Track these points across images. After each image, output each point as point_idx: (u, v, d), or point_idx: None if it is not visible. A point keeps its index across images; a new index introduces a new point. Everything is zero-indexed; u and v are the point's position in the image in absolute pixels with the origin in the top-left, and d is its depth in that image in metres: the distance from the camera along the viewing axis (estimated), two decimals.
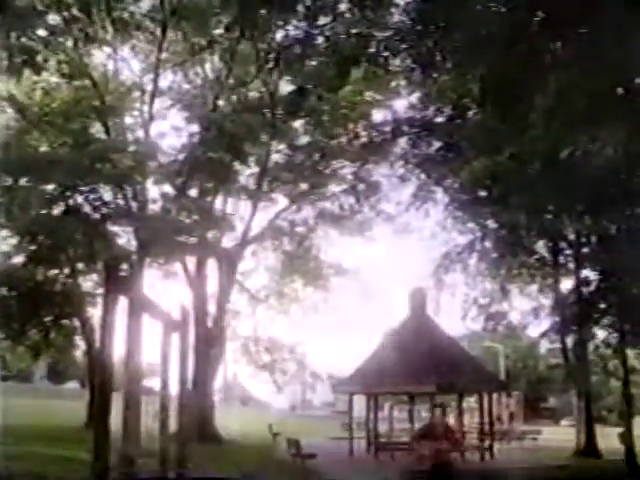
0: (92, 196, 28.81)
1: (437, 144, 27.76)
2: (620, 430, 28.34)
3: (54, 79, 29.27)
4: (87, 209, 29.15)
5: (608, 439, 32.44)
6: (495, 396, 33.13)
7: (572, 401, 34.32)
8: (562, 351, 33.49)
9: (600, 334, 30.83)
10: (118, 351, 10.17)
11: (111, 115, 30.42)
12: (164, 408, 13.37)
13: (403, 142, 29.62)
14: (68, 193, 28.30)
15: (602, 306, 29.08)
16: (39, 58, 16.55)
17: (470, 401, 34.07)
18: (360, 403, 32.28)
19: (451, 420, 32.29)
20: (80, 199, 28.92)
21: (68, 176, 26.24)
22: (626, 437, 27.11)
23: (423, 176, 28.54)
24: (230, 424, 34.69)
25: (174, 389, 14.27)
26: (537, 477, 21.10)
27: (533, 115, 14.50)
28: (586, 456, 29.65)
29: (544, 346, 55.47)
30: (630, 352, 29.81)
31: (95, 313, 33.62)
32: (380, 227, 36.84)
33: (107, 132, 30.41)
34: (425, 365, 25.17)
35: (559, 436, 37.28)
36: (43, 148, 30.51)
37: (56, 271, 34.24)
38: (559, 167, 16.03)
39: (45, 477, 13.72)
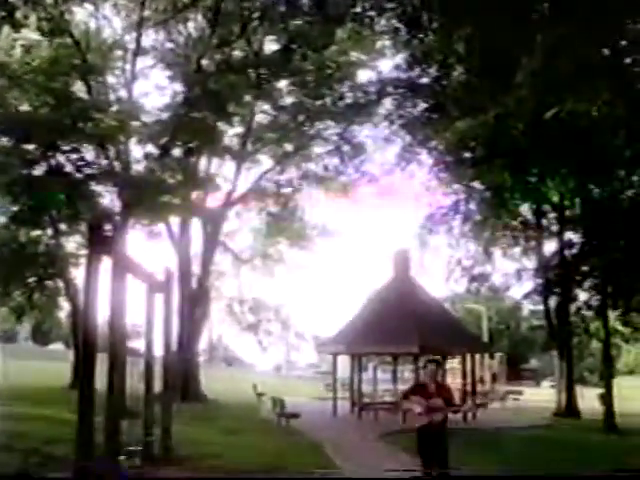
0: (74, 156, 28.50)
1: (422, 105, 27.56)
2: (600, 391, 28.77)
3: (34, 36, 28.72)
4: (69, 169, 28.86)
5: (588, 400, 32.97)
6: (478, 357, 33.48)
7: (553, 362, 34.76)
8: (544, 313, 33.80)
9: (582, 296, 31.13)
10: (102, 312, 10.15)
11: (93, 74, 29.95)
12: (149, 369, 13.42)
13: (388, 103, 29.39)
14: (50, 153, 27.99)
15: (585, 269, 29.28)
16: (18, 14, 16.23)
17: (453, 362, 34.37)
18: (344, 364, 32.54)
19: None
20: (62, 159, 28.62)
21: (49, 135, 25.92)
22: (606, 398, 27.56)
23: (408, 137, 28.36)
24: (214, 384, 34.89)
25: (159, 350, 14.31)
26: (520, 436, 21.39)
27: (519, 75, 14.43)
28: (566, 416, 30.11)
29: (526, 308, 56.06)
30: (611, 314, 30.04)
31: (79, 274, 33.52)
32: (364, 188, 36.77)
33: (89, 91, 29.97)
34: (408, 326, 25.34)
35: (540, 397, 37.80)
36: (24, 107, 30.04)
37: (39, 232, 34.01)
38: (544, 128, 16.00)
39: (31, 437, 13.74)
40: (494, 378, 45.94)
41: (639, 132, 17.05)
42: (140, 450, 12.70)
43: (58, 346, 72.83)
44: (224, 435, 18.03)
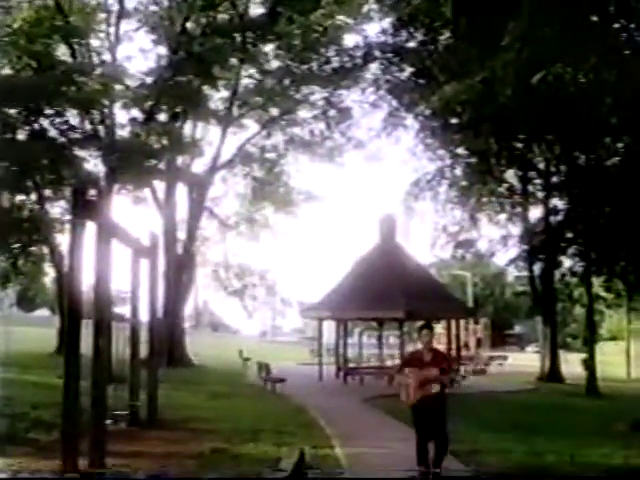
0: (58, 120, 28.22)
1: (409, 70, 27.42)
2: (583, 356, 29.11)
3: None
4: (53, 133, 28.57)
5: (571, 365, 33.38)
6: (462, 323, 33.71)
7: (538, 328, 35.09)
8: (529, 279, 34.02)
9: (566, 263, 31.35)
10: (88, 278, 10.10)
11: (76, 36, 29.55)
12: (134, 334, 13.43)
13: (375, 67, 29.23)
14: (33, 117, 27.67)
15: (569, 235, 29.44)
16: None
17: (438, 327, 34.61)
18: (330, 329, 32.69)
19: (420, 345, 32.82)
20: (45, 123, 28.32)
21: (32, 99, 25.61)
22: (588, 363, 27.91)
23: (394, 102, 28.25)
24: (200, 350, 35.01)
25: (144, 316, 14.30)
26: (504, 401, 21.64)
27: (506, 39, 14.33)
28: (550, 381, 30.47)
29: (511, 274, 56.34)
30: (595, 280, 30.30)
31: (64, 240, 33.35)
32: (350, 153, 36.70)
33: (72, 55, 29.60)
34: (394, 291, 25.42)
35: (524, 362, 38.21)
36: (5, 71, 29.63)
37: (23, 197, 33.74)
38: (531, 94, 15.94)
39: (18, 402, 13.76)
40: (479, 343, 46.33)
41: (626, 99, 17.02)
42: (126, 414, 12.77)
43: (44, 312, 72.69)
44: (210, 399, 18.13)
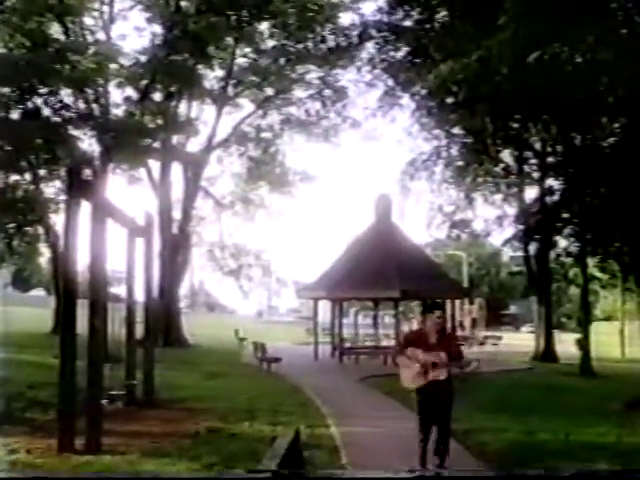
0: (52, 99, 28.05)
1: (405, 49, 27.29)
2: (578, 336, 29.22)
3: None
4: (47, 112, 28.41)
5: (565, 344, 33.52)
6: (458, 303, 33.81)
7: (533, 308, 35.19)
8: (524, 259, 34.06)
9: (562, 243, 31.37)
10: (83, 258, 10.08)
11: (69, 15, 29.30)
12: (130, 314, 13.43)
13: (370, 47, 29.08)
14: (26, 96, 27.50)
15: (565, 216, 29.44)
16: None
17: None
18: (325, 309, 32.76)
19: (415, 325, 33.05)
20: (39, 102, 28.15)
21: (26, 78, 25.44)
22: (583, 343, 28.02)
23: (390, 81, 28.14)
24: (196, 330, 35.07)
25: (140, 296, 14.31)
26: (499, 380, 21.73)
27: (502, 18, 14.25)
28: (544, 361, 30.60)
29: (507, 254, 56.49)
30: (590, 261, 30.35)
31: (59, 220, 33.28)
32: (346, 133, 36.59)
33: (66, 33, 29.36)
34: (389, 271, 25.46)
35: (519, 342, 38.36)
36: None
37: (17, 177, 33.60)
38: (527, 73, 15.87)
39: (15, 382, 13.78)
40: (474, 323, 46.48)
41: (622, 78, 16.95)
42: (123, 394, 12.80)
43: (39, 292, 72.70)
44: (206, 379, 18.18)
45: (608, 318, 53.20)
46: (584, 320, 29.82)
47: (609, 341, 37.96)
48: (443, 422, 8.42)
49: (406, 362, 8.48)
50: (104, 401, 10.89)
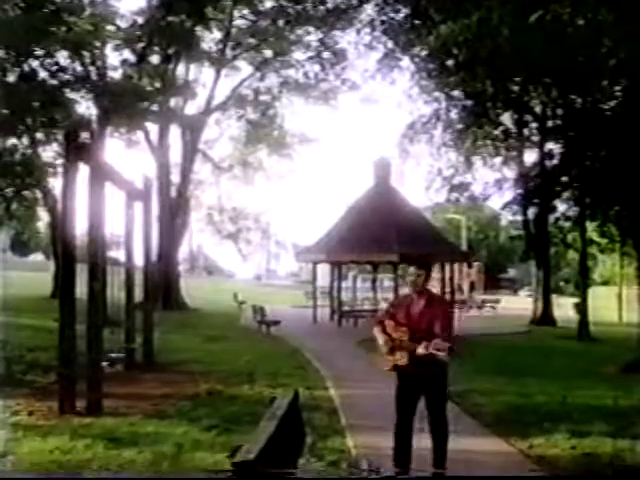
0: (48, 61, 27.76)
1: (404, 10, 26.96)
2: (575, 300, 29.34)
3: None
4: (43, 75, 28.13)
5: (564, 308, 33.70)
6: (456, 266, 33.87)
7: (531, 272, 35.27)
8: (523, 223, 34.05)
9: (561, 207, 31.33)
10: (82, 222, 10.06)
11: None
12: (129, 278, 13.45)
13: (370, 8, 28.74)
14: (22, 58, 27.21)
15: (564, 179, 29.35)
16: None
17: (432, 271, 34.77)
18: (324, 272, 32.84)
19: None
20: (35, 64, 27.87)
21: (21, 40, 25.13)
22: (581, 307, 28.16)
23: (390, 43, 27.85)
24: (195, 293, 35.19)
25: (139, 259, 14.32)
26: (497, 343, 21.87)
27: None
28: (542, 324, 30.77)
29: (506, 218, 56.46)
30: (589, 225, 30.34)
31: (57, 184, 33.17)
32: (345, 96, 36.39)
33: None
34: (388, 235, 25.47)
35: (518, 305, 38.55)
36: None
37: (14, 141, 33.40)
38: (528, 35, 15.69)
39: (15, 345, 13.86)
40: (472, 287, 46.69)
41: (624, 40, 16.77)
42: (123, 357, 12.88)
43: (38, 257, 72.78)
44: (205, 342, 18.28)
45: (606, 282, 53.40)
46: (582, 284, 29.90)
47: (607, 305, 38.13)
48: (436, 413, 6.74)
49: (382, 337, 6.93)
50: (104, 364, 10.96)
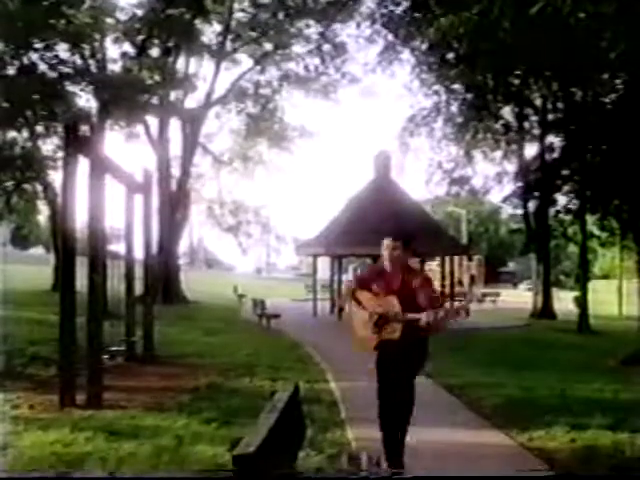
0: (47, 54, 27.70)
1: (405, 3, 26.93)
2: (575, 294, 29.36)
3: None
4: (43, 68, 28.07)
5: (563, 302, 33.71)
6: (456, 260, 33.88)
7: (531, 265, 35.28)
8: (523, 216, 34.05)
9: (561, 200, 31.33)
10: (82, 215, 10.06)
11: None
12: (130, 271, 13.45)
13: (370, 1, 28.75)
14: (21, 51, 27.14)
15: (565, 173, 29.35)
16: None
17: (432, 264, 34.80)
18: (324, 265, 32.85)
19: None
20: (35, 57, 27.81)
21: (20, 32, 25.07)
22: (580, 300, 28.18)
23: (390, 36, 27.83)
24: (195, 287, 35.22)
25: (139, 253, 14.32)
26: (497, 336, 21.89)
27: None
28: (542, 318, 30.79)
29: (506, 211, 56.47)
30: (589, 218, 30.34)
31: (57, 177, 33.15)
32: (345, 89, 36.36)
33: None
34: (388, 228, 25.45)
35: (517, 299, 38.58)
36: None
37: (14, 134, 33.36)
38: (529, 27, 15.67)
39: (16, 338, 13.87)
40: (472, 280, 46.72)
41: (624, 34, 16.73)
42: (123, 350, 12.90)
43: (38, 250, 72.82)
44: (205, 335, 18.29)
45: (606, 276, 53.42)
46: (582, 278, 29.92)
47: (607, 299, 38.17)
48: (402, 391, 6.18)
49: (353, 311, 6.25)
50: (104, 357, 10.97)
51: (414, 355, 6.16)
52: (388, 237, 6.27)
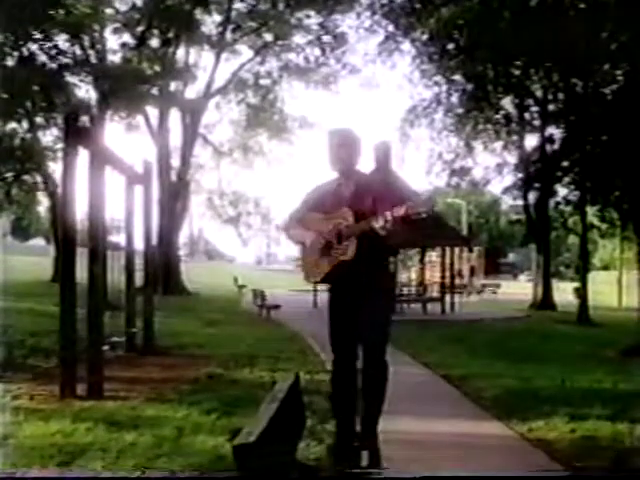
0: (47, 45, 27.67)
1: None
2: (576, 285, 29.38)
3: None
4: (42, 59, 28.04)
5: (563, 293, 33.73)
6: (457, 251, 33.86)
7: (531, 256, 35.29)
8: (524, 207, 34.04)
9: (561, 191, 31.33)
10: (82, 206, 10.04)
11: None
12: (130, 262, 13.45)
13: None
14: (21, 41, 27.11)
15: (565, 164, 29.32)
16: None
17: (432, 255, 34.80)
18: None
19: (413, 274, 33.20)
20: (34, 48, 27.77)
21: (20, 23, 25.02)
22: (581, 291, 28.21)
23: (390, 27, 27.76)
24: (196, 278, 35.22)
25: (139, 244, 14.31)
26: (498, 327, 21.91)
27: None
28: (542, 309, 30.83)
29: (506, 202, 56.45)
30: (589, 209, 30.33)
31: (57, 169, 33.13)
32: (346, 80, 36.31)
33: None
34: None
35: (518, 290, 38.59)
36: None
37: (14, 125, 33.34)
38: (529, 17, 15.65)
39: (16, 329, 13.88)
40: (472, 271, 46.70)
41: (625, 24, 16.70)
42: (123, 341, 12.90)
43: (38, 241, 72.84)
44: (206, 326, 18.31)
45: (606, 267, 53.50)
46: (582, 269, 29.94)
47: (607, 290, 38.19)
48: (370, 357, 4.77)
49: (301, 237, 5.24)
50: (105, 348, 10.98)
51: (377, 286, 4.83)
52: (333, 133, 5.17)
